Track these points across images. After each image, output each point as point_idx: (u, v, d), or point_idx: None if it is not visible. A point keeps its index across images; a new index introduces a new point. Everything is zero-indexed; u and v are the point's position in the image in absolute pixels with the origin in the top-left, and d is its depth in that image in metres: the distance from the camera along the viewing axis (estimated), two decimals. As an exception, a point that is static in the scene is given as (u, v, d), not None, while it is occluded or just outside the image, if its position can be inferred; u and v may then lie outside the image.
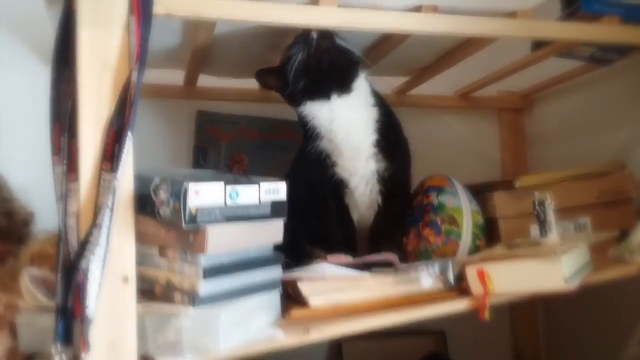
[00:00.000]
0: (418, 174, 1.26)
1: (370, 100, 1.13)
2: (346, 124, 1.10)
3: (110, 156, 0.73)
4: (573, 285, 0.92)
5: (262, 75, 1.17)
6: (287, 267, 0.91)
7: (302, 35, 1.07)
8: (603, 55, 1.25)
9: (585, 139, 1.48)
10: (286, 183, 0.85)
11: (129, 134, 0.73)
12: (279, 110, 1.45)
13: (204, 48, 1.08)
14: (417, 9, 0.94)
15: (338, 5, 0.89)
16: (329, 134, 1.10)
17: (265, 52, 1.18)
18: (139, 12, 0.76)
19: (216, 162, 1.41)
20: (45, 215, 1.11)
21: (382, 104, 1.15)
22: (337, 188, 1.12)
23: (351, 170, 1.11)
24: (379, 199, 1.14)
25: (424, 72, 1.39)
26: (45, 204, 1.05)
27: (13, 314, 0.90)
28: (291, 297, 0.93)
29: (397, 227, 1.21)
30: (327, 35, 1.06)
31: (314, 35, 1.06)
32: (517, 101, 1.66)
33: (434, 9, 0.94)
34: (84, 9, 0.74)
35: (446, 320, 0.96)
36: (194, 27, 0.98)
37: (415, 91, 1.49)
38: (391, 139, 1.12)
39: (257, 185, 0.81)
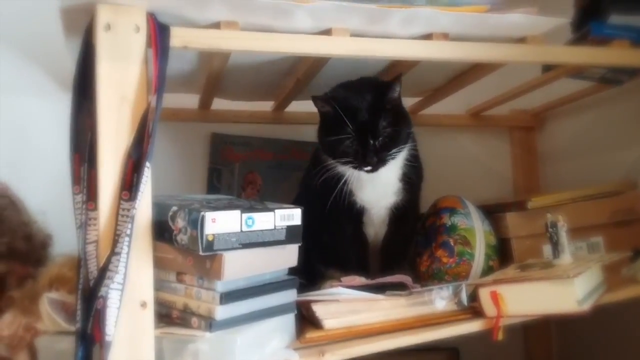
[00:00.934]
0: (430, 193, 1.26)
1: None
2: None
3: (129, 185, 0.75)
4: (586, 306, 0.93)
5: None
6: (301, 287, 0.93)
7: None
8: (613, 76, 1.25)
9: (597, 158, 1.48)
10: (299, 201, 0.85)
11: (147, 163, 0.75)
12: (292, 131, 1.47)
13: (219, 74, 1.10)
14: (428, 36, 0.96)
15: (350, 35, 0.90)
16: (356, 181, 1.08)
17: (278, 77, 1.20)
18: (157, 46, 0.78)
19: (230, 183, 1.43)
20: (63, 238, 1.14)
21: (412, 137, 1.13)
22: (353, 212, 1.12)
23: (372, 203, 1.12)
24: (394, 222, 1.14)
25: (435, 93, 1.40)
26: (63, 227, 1.07)
27: (32, 336, 0.92)
28: (306, 319, 0.95)
29: (408, 247, 1.21)
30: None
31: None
32: (529, 119, 1.66)
33: (445, 36, 0.96)
34: (103, 43, 0.76)
35: (459, 337, 0.97)
36: (209, 55, 1.00)
37: (427, 110, 1.50)
38: (414, 171, 1.12)
39: (272, 212, 0.83)
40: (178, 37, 0.81)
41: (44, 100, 1.30)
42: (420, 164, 1.17)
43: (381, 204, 1.12)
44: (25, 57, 1.28)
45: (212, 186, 1.42)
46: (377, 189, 1.10)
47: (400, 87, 1.06)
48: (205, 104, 1.35)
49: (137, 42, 0.78)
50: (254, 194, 1.45)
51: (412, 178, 1.12)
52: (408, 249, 1.22)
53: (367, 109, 1.03)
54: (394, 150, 1.04)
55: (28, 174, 1.25)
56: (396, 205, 1.12)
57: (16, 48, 1.28)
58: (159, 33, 0.79)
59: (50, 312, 0.88)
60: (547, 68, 1.27)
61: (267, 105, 1.42)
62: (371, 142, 1.02)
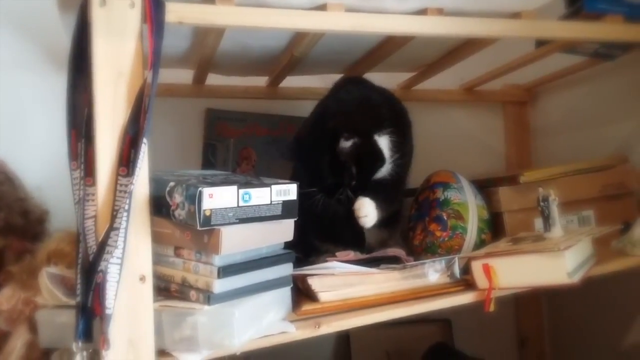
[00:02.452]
0: (424, 168, 1.28)
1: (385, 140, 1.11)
2: None
3: (126, 161, 0.76)
4: (576, 278, 0.95)
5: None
6: (296, 262, 0.94)
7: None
8: (607, 51, 1.26)
9: (589, 132, 1.50)
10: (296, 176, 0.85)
11: (144, 139, 0.75)
12: (287, 106, 1.47)
13: (213, 50, 1.10)
14: (423, 11, 0.96)
15: (345, 10, 0.90)
16: None
17: (270, 54, 1.20)
18: (152, 21, 0.78)
19: (225, 158, 1.44)
20: (59, 214, 1.15)
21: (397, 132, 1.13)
22: None
23: None
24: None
25: (429, 68, 1.40)
26: (59, 203, 1.08)
27: (31, 310, 0.93)
28: (302, 293, 0.96)
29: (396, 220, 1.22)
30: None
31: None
32: (522, 94, 1.67)
33: (440, 11, 0.96)
34: (98, 19, 0.76)
35: (452, 309, 0.99)
36: (203, 31, 1.00)
37: (420, 85, 1.51)
38: (399, 149, 1.12)
39: (268, 188, 0.84)
40: (173, 13, 0.80)
41: (39, 77, 1.29)
42: (408, 143, 1.17)
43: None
44: (20, 34, 1.27)
45: (207, 162, 1.42)
46: None
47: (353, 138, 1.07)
48: (199, 79, 1.35)
49: (132, 17, 0.77)
50: (248, 169, 1.46)
51: (397, 156, 1.12)
52: (397, 222, 1.22)
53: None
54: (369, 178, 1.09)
55: (24, 150, 1.25)
56: (382, 180, 1.13)
57: (10, 24, 1.27)
58: (154, 8, 0.78)
59: (50, 285, 0.89)
60: (541, 43, 1.27)
61: (261, 81, 1.42)
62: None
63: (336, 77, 1.41)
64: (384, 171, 1.12)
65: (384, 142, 1.10)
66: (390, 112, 1.14)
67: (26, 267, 1.00)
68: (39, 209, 1.17)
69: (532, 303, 1.65)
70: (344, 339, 1.49)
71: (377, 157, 1.10)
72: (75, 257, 0.89)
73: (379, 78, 1.29)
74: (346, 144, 1.07)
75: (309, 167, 1.10)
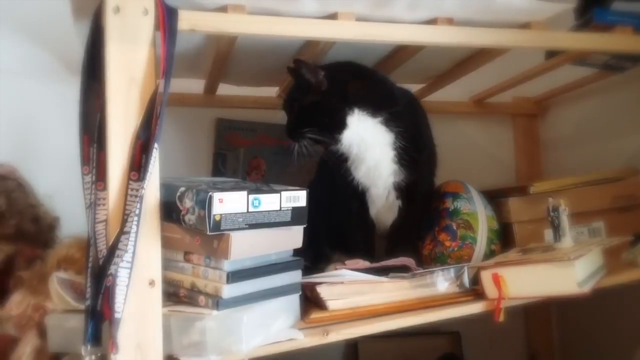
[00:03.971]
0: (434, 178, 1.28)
1: (380, 128, 1.11)
2: (360, 147, 1.11)
3: (137, 166, 0.76)
4: (586, 289, 0.95)
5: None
6: (305, 269, 0.94)
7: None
8: (616, 63, 1.26)
9: (599, 145, 1.50)
10: (313, 185, 0.86)
11: (156, 145, 0.76)
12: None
13: (225, 58, 1.11)
14: (433, 21, 0.96)
15: (356, 19, 0.91)
16: (347, 149, 1.12)
17: (282, 62, 1.21)
18: (165, 28, 0.79)
19: (235, 168, 1.45)
20: (69, 221, 1.16)
21: (403, 121, 1.13)
22: (357, 192, 1.14)
23: (370, 182, 1.14)
24: (399, 204, 1.16)
25: (439, 79, 1.41)
26: (69, 210, 1.09)
27: (41, 316, 0.94)
28: (310, 300, 0.96)
29: (415, 231, 1.22)
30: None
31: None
32: (532, 107, 1.67)
33: (450, 21, 0.97)
34: (112, 26, 0.77)
35: (461, 321, 0.99)
36: (215, 39, 1.01)
37: (431, 97, 1.51)
38: (413, 153, 1.13)
39: (278, 194, 0.85)
40: (186, 20, 0.82)
41: (50, 83, 1.31)
42: (429, 147, 1.19)
43: (379, 184, 1.14)
44: (32, 41, 1.30)
45: (217, 171, 1.43)
46: (371, 169, 1.13)
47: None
48: (210, 89, 1.36)
49: (145, 24, 0.78)
50: (258, 179, 1.47)
51: (413, 160, 1.13)
52: (414, 233, 1.22)
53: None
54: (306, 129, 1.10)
55: (35, 157, 1.27)
56: (398, 186, 1.14)
57: (23, 31, 1.29)
58: (167, 16, 0.80)
59: (60, 290, 0.90)
60: (550, 55, 1.27)
61: (272, 91, 1.43)
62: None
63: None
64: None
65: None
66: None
67: (36, 273, 1.01)
68: (49, 215, 1.18)
69: (542, 316, 1.64)
70: (352, 349, 1.48)
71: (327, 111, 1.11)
72: (84, 262, 0.90)
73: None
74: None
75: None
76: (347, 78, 1.11)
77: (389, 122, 1.11)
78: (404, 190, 1.14)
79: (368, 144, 1.11)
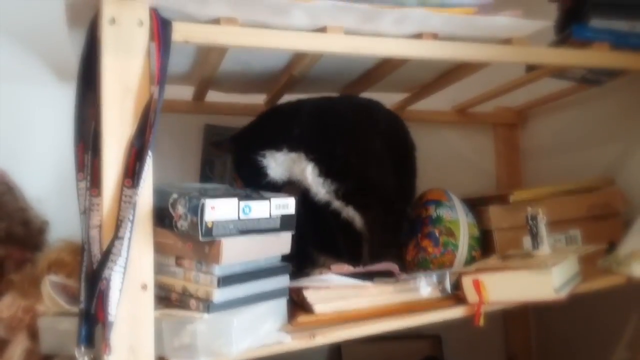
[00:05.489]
0: (417, 186, 1.30)
1: (289, 157, 1.16)
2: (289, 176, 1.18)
3: (131, 173, 0.78)
4: (563, 294, 0.98)
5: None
6: (292, 274, 0.96)
7: None
8: (594, 77, 1.30)
9: (577, 155, 1.54)
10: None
11: (149, 152, 0.78)
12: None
13: (215, 68, 1.13)
14: (418, 35, 0.99)
15: (344, 33, 0.94)
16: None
17: (269, 73, 1.24)
18: (159, 39, 0.81)
19: (222, 174, 1.47)
20: (59, 225, 1.17)
21: (308, 140, 1.15)
22: None
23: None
24: (350, 211, 1.16)
25: (422, 90, 1.44)
26: (59, 214, 1.11)
27: (31, 318, 0.95)
28: (297, 304, 0.99)
29: (382, 236, 1.19)
30: None
31: None
32: (512, 117, 1.71)
33: (434, 36, 0.99)
34: (107, 36, 0.79)
35: (442, 325, 1.01)
36: (206, 50, 1.03)
37: (414, 106, 1.54)
38: (331, 163, 1.14)
39: (268, 201, 0.87)
40: (180, 32, 0.84)
41: (42, 90, 1.32)
42: (354, 154, 1.17)
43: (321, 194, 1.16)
44: (25, 47, 1.30)
45: (205, 177, 1.45)
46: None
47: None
48: (199, 96, 1.38)
49: (140, 35, 0.80)
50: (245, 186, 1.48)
51: (336, 171, 1.15)
52: (380, 236, 1.19)
53: None
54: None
55: (25, 162, 1.27)
56: (338, 196, 1.15)
57: (16, 38, 1.30)
58: (161, 27, 0.82)
59: (52, 293, 0.91)
60: (531, 68, 1.31)
61: (260, 99, 1.45)
62: None
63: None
64: None
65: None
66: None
67: (27, 276, 1.02)
68: (39, 219, 1.19)
69: (520, 321, 1.68)
70: (335, 352, 1.51)
71: None
72: (75, 266, 0.92)
73: (374, 98, 1.33)
74: None
75: None
76: (244, 136, 1.22)
77: (294, 148, 1.15)
78: (349, 198, 1.14)
79: (292, 174, 1.16)
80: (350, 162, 1.15)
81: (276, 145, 1.15)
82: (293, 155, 1.15)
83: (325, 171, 1.13)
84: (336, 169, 1.14)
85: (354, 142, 1.17)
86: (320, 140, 1.15)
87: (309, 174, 1.14)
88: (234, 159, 1.21)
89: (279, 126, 1.18)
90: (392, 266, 1.08)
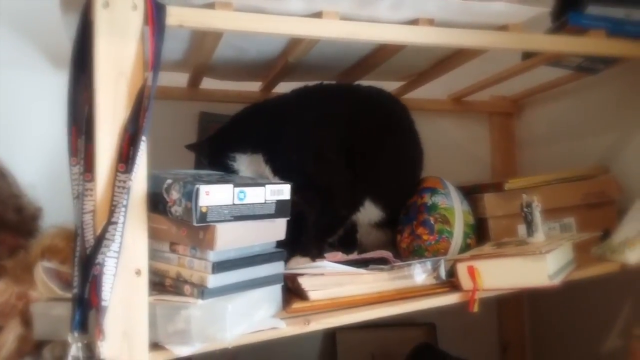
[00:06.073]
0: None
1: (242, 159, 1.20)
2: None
3: (125, 158, 0.78)
4: (557, 281, 0.99)
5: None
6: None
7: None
8: (590, 65, 1.30)
9: (572, 143, 1.54)
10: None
11: (143, 137, 0.78)
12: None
13: (210, 54, 1.12)
14: (414, 21, 0.99)
15: (340, 18, 0.94)
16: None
17: (264, 59, 1.24)
18: (153, 23, 0.81)
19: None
20: (52, 211, 1.16)
21: (248, 139, 1.20)
22: None
23: None
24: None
25: (418, 78, 1.44)
26: (52, 200, 1.10)
27: (24, 304, 0.95)
28: (292, 291, 0.99)
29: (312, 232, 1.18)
30: None
31: None
32: (508, 106, 1.71)
33: (430, 22, 0.99)
34: (101, 20, 0.78)
35: (436, 313, 1.02)
36: (201, 35, 1.02)
37: (410, 94, 1.54)
38: (279, 162, 1.16)
39: (263, 187, 0.87)
40: (174, 16, 0.83)
41: (35, 75, 1.31)
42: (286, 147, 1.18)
43: None
44: (17, 32, 1.29)
45: (200, 164, 1.44)
46: None
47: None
48: (194, 83, 1.37)
49: (134, 19, 0.80)
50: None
51: (275, 162, 1.18)
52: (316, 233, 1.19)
53: None
54: None
55: (18, 148, 1.27)
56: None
57: (8, 23, 1.29)
58: (155, 11, 0.81)
59: (45, 279, 0.91)
60: (527, 56, 1.31)
61: (255, 86, 1.45)
62: None
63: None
64: None
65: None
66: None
67: (20, 262, 1.01)
68: (32, 205, 1.18)
69: (514, 308, 1.69)
70: (330, 339, 1.51)
71: None
72: (69, 252, 0.91)
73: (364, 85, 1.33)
74: None
75: None
76: (215, 139, 1.26)
77: (255, 149, 1.18)
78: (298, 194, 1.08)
79: (259, 174, 1.18)
80: (291, 158, 1.16)
81: (242, 148, 1.19)
82: (255, 156, 1.18)
83: (274, 169, 1.16)
84: (281, 166, 1.16)
85: (295, 139, 1.18)
86: (271, 140, 1.18)
87: (267, 173, 1.16)
88: (208, 162, 1.22)
89: (243, 129, 1.22)
90: (386, 253, 1.09)
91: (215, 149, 1.23)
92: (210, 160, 1.23)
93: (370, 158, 1.22)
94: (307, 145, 1.18)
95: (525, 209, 1.09)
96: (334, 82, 1.37)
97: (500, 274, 1.00)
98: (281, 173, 1.14)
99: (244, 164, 1.19)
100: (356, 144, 1.21)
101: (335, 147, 1.19)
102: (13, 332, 0.95)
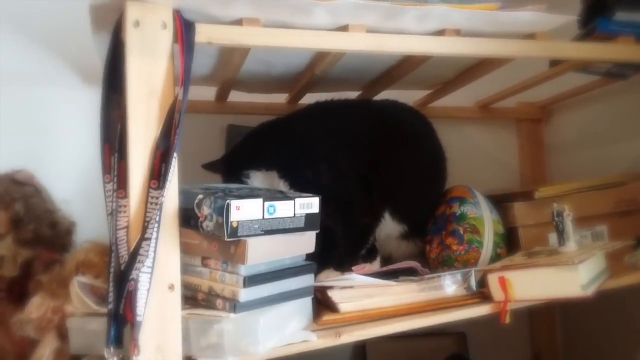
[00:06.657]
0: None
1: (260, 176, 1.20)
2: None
3: (157, 175, 0.79)
4: (590, 291, 0.97)
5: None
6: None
7: None
8: (619, 71, 1.28)
9: (602, 150, 1.52)
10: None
11: (175, 154, 0.79)
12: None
13: (238, 68, 1.13)
14: (441, 32, 0.99)
15: (366, 31, 0.94)
16: None
17: (291, 72, 1.25)
18: (183, 41, 0.82)
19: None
20: (85, 226, 1.19)
21: (264, 155, 1.21)
22: None
23: None
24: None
25: (445, 86, 1.43)
26: (86, 215, 1.12)
27: (60, 318, 0.97)
28: (321, 304, 0.99)
29: (345, 237, 1.18)
30: None
31: None
32: (536, 112, 1.69)
33: (457, 32, 0.99)
34: (132, 39, 0.80)
35: (467, 322, 1.01)
36: (229, 50, 1.04)
37: (436, 103, 1.54)
38: (295, 178, 1.17)
39: (292, 201, 0.87)
40: (203, 33, 0.84)
41: (68, 92, 1.33)
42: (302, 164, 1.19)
43: None
44: (51, 50, 1.32)
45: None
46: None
47: None
48: (222, 96, 1.39)
49: (164, 38, 0.81)
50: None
51: (293, 178, 1.19)
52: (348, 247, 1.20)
53: None
54: None
55: (52, 164, 1.30)
56: None
57: (42, 41, 1.32)
58: (184, 29, 0.83)
59: (80, 294, 0.92)
60: (555, 63, 1.30)
61: (281, 97, 1.46)
62: None
63: (355, 94, 1.45)
64: None
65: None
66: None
67: (55, 276, 1.03)
68: (66, 220, 1.21)
69: (546, 318, 1.66)
70: (360, 350, 1.51)
71: None
72: (103, 267, 0.93)
73: (396, 95, 1.33)
74: None
75: None
76: (231, 157, 1.28)
77: (269, 167, 1.19)
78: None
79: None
80: (305, 174, 1.17)
81: (256, 165, 1.20)
82: (269, 173, 1.19)
83: (290, 184, 1.17)
84: (297, 181, 1.16)
85: (307, 154, 1.19)
86: (284, 156, 1.19)
87: (283, 189, 1.16)
88: (224, 180, 1.24)
89: (256, 146, 1.23)
90: (413, 264, 1.08)
91: (230, 167, 1.24)
92: (225, 178, 1.24)
93: (385, 172, 1.22)
94: (320, 159, 1.18)
95: (556, 218, 1.08)
96: (351, 96, 1.38)
97: (532, 284, 0.99)
98: (297, 188, 1.15)
99: (258, 180, 1.20)
100: (370, 159, 1.21)
101: (348, 161, 1.19)
102: (49, 346, 0.97)
